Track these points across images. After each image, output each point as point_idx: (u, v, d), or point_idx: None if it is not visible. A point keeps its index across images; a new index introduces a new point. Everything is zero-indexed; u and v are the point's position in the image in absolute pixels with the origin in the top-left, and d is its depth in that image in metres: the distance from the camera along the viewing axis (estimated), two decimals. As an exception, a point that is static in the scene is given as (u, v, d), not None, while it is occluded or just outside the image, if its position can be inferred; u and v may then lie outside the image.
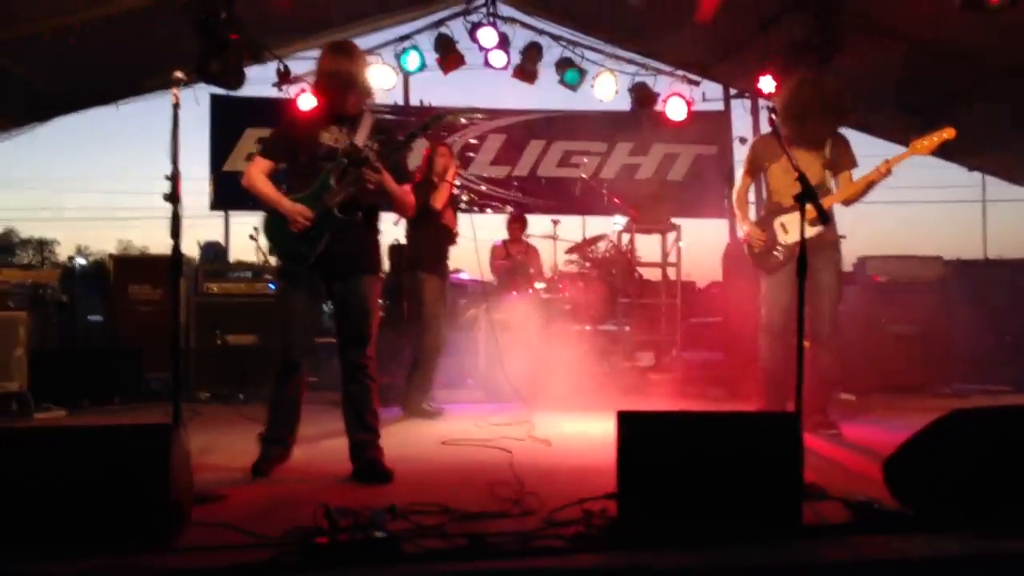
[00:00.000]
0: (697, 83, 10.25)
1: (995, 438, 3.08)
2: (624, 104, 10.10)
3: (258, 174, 4.14)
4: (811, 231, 4.97)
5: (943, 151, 5.18)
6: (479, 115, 4.26)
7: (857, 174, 5.33)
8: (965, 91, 7.90)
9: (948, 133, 5.05)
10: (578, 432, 5.52)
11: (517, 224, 8.67)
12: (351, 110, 4.17)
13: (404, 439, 5.24)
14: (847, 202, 5.33)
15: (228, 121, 9.93)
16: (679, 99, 9.91)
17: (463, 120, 4.60)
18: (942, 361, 7.80)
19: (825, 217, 4.10)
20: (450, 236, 6.56)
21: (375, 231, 4.31)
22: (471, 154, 10.33)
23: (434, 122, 4.47)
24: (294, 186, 4.14)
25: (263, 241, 4.28)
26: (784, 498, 2.97)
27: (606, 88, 9.80)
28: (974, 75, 7.74)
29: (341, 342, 4.22)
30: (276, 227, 4.12)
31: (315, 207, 4.04)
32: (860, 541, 2.85)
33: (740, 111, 10.55)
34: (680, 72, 10.15)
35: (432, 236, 6.40)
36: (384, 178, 4.08)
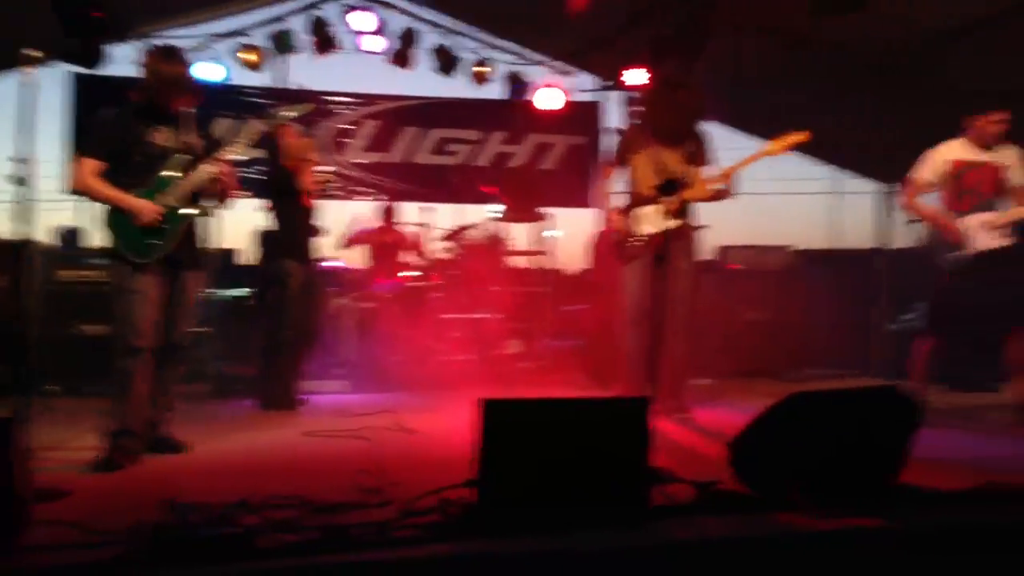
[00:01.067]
0: (571, 74, 10.37)
1: (829, 419, 3.24)
2: (499, 92, 10.14)
3: (90, 175, 4.18)
4: (670, 222, 5.15)
5: (803, 147, 5.41)
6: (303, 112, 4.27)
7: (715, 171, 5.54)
8: (826, 87, 8.19)
9: (802, 136, 5.27)
10: (444, 421, 5.54)
11: (387, 211, 8.62)
12: (178, 110, 4.37)
13: (265, 431, 5.17)
14: (703, 200, 5.52)
15: (93, 102, 9.50)
16: (553, 89, 10.01)
17: (291, 115, 4.58)
18: (792, 346, 8.17)
19: (684, 210, 4.23)
20: (312, 220, 6.36)
21: (196, 226, 4.45)
22: (345, 140, 10.22)
23: (273, 119, 4.75)
24: (125, 183, 4.19)
25: (106, 236, 4.16)
26: (634, 481, 3.05)
27: (485, 78, 9.83)
28: (835, 71, 8.04)
29: (170, 326, 4.33)
30: (121, 223, 4.17)
31: (162, 202, 4.19)
32: (705, 521, 2.96)
33: (612, 102, 10.72)
34: (554, 62, 10.25)
35: (295, 221, 6.24)
36: (230, 173, 4.36)
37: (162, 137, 4.30)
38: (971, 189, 5.37)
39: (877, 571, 2.81)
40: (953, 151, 5.43)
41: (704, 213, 5.75)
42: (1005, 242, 5.28)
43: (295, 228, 6.23)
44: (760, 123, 9.10)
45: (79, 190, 4.19)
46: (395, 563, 2.60)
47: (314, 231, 6.39)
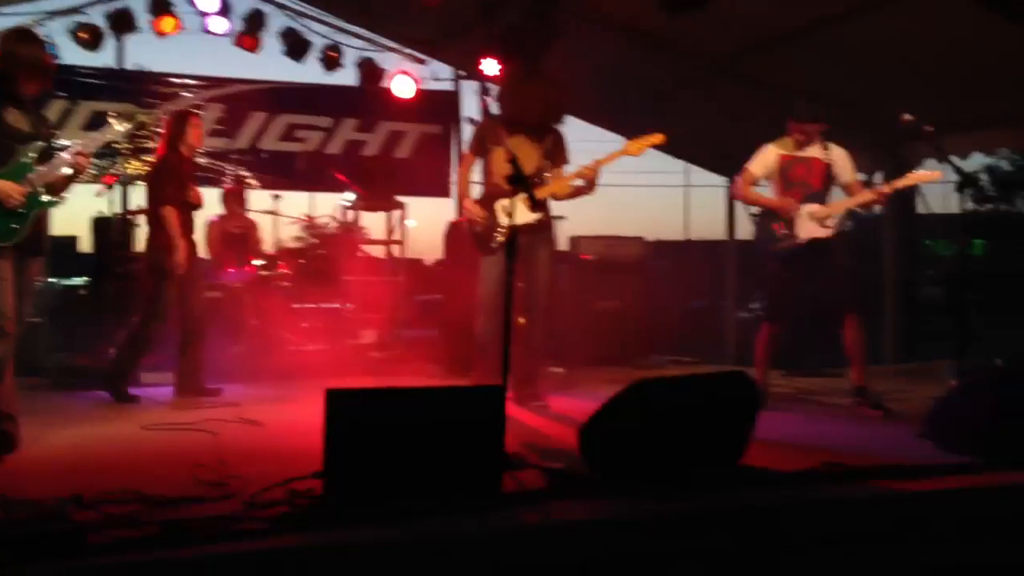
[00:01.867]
0: (424, 62, 10.30)
1: (674, 404, 3.35)
2: (350, 79, 9.99)
3: None
4: (528, 215, 5.20)
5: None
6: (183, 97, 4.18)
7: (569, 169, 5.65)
8: (676, 83, 8.42)
9: (657, 138, 5.41)
10: (293, 412, 5.45)
11: (235, 198, 8.37)
12: (33, 94, 4.24)
13: (103, 425, 4.95)
14: (556, 197, 5.61)
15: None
16: (406, 77, 9.91)
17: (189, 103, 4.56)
18: (644, 334, 8.41)
19: (536, 203, 4.27)
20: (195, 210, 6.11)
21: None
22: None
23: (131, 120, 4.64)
24: None
25: None
26: (486, 468, 3.08)
27: (336, 64, 9.65)
28: (684, 68, 8.26)
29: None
30: None
31: (24, 187, 4.05)
32: (554, 506, 3.00)
33: (469, 92, 10.73)
34: (407, 50, 10.16)
35: (187, 210, 5.99)
36: (87, 162, 4.26)
37: (14, 119, 4.14)
38: (799, 181, 5.60)
39: (719, 551, 2.91)
40: (782, 147, 5.66)
41: (558, 204, 5.85)
42: (827, 232, 5.50)
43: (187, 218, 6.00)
44: (614, 119, 9.31)
45: None
46: (240, 556, 2.54)
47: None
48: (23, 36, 4.29)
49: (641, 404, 3.30)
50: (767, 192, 5.77)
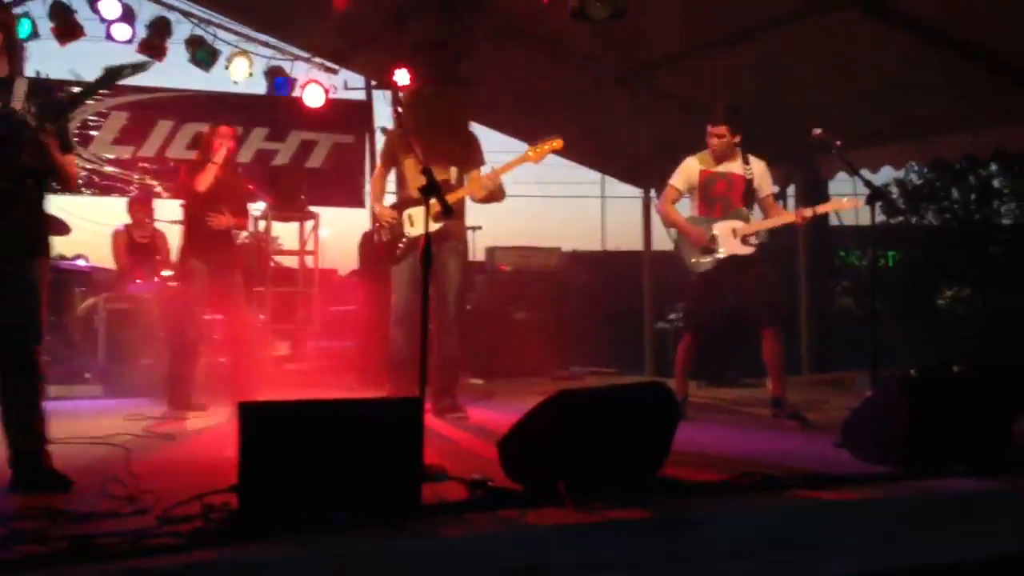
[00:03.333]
0: (335, 71, 10.23)
1: (594, 416, 3.36)
2: (260, 88, 9.85)
3: None
4: (435, 225, 5.18)
5: (569, 153, 5.60)
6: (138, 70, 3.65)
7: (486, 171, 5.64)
8: (586, 94, 8.51)
9: (557, 143, 5.44)
10: (204, 426, 5.36)
11: (142, 208, 8.16)
12: (3, 71, 3.63)
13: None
14: (474, 199, 5.61)
15: None
16: (316, 86, 9.83)
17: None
18: (562, 345, 8.45)
19: (449, 211, 4.26)
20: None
21: (41, 206, 3.74)
22: (92, 132, 9.57)
23: (107, 80, 3.75)
24: None
25: None
26: (404, 480, 3.04)
27: (240, 70, 9.48)
28: (592, 80, 8.36)
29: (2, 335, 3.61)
30: None
31: None
32: (474, 517, 2.98)
33: (382, 102, 10.69)
34: (317, 59, 10.07)
35: (199, 221, 5.91)
36: (51, 144, 3.57)
37: None
38: (720, 197, 5.66)
39: (640, 560, 2.94)
40: (702, 161, 5.71)
41: (475, 215, 5.87)
42: (749, 250, 5.57)
43: (195, 226, 6.01)
44: (523, 129, 9.36)
45: None
46: (153, 571, 2.48)
47: (63, 228, 5.97)
48: None
49: (562, 415, 3.30)
50: (688, 208, 5.81)
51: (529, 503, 3.10)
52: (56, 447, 4.42)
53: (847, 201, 5.64)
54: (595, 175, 10.97)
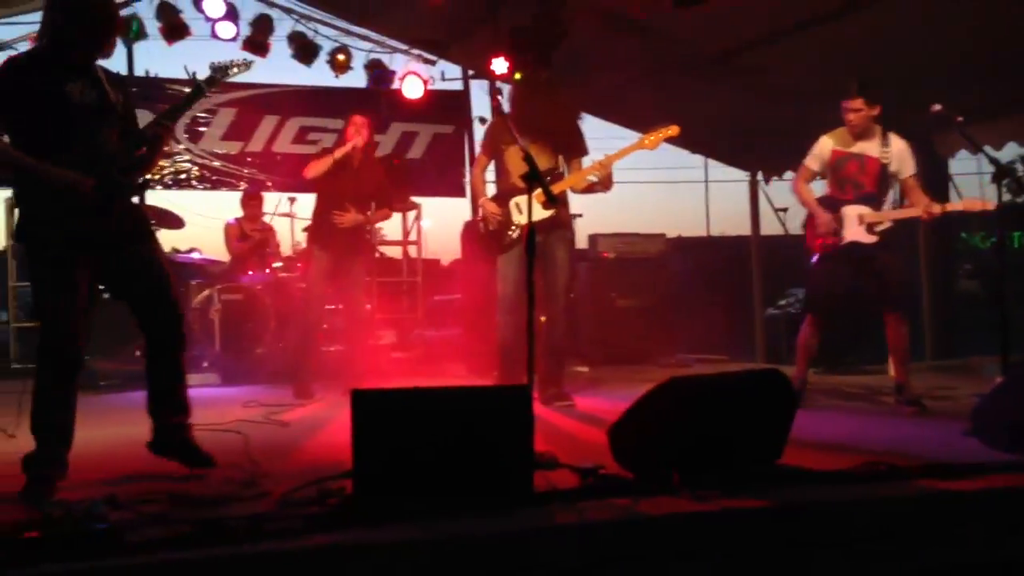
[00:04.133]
0: (434, 62, 10.30)
1: (708, 403, 3.31)
2: (360, 81, 9.99)
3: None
4: (542, 212, 5.17)
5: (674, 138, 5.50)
6: (243, 69, 3.67)
7: (589, 161, 5.61)
8: (687, 78, 8.37)
9: (672, 130, 5.34)
10: (318, 412, 5.47)
11: (253, 202, 8.38)
12: (92, 60, 3.55)
13: (132, 426, 4.93)
14: (575, 190, 5.57)
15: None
16: (415, 78, 9.91)
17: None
18: (665, 332, 8.34)
19: (554, 200, 4.24)
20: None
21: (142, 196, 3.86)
22: (201, 128, 9.86)
23: (215, 80, 3.85)
24: (34, 148, 3.38)
25: (20, 216, 3.49)
26: (516, 468, 3.04)
27: (341, 65, 9.64)
28: (694, 63, 8.21)
29: (146, 315, 3.66)
30: (44, 202, 3.39)
31: (94, 173, 3.40)
32: (587, 505, 2.95)
33: (480, 91, 10.73)
34: (416, 51, 10.16)
35: (325, 211, 6.09)
36: (167, 142, 3.67)
37: (77, 91, 3.45)
38: (851, 178, 5.46)
39: (754, 551, 2.88)
40: (836, 140, 5.50)
41: (576, 202, 5.83)
42: (873, 238, 5.37)
43: (320, 213, 6.19)
44: (627, 114, 9.28)
45: None
46: (272, 555, 2.53)
47: (177, 222, 6.18)
48: None
49: (674, 402, 3.26)
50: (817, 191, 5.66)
51: (641, 492, 3.06)
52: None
53: (980, 202, 5.38)
54: (697, 159, 10.77)
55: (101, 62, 3.64)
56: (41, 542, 2.47)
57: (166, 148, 3.74)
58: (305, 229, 7.53)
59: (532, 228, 3.93)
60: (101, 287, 3.70)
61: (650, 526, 2.85)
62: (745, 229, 9.41)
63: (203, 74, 3.81)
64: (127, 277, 3.64)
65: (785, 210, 6.09)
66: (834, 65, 6.92)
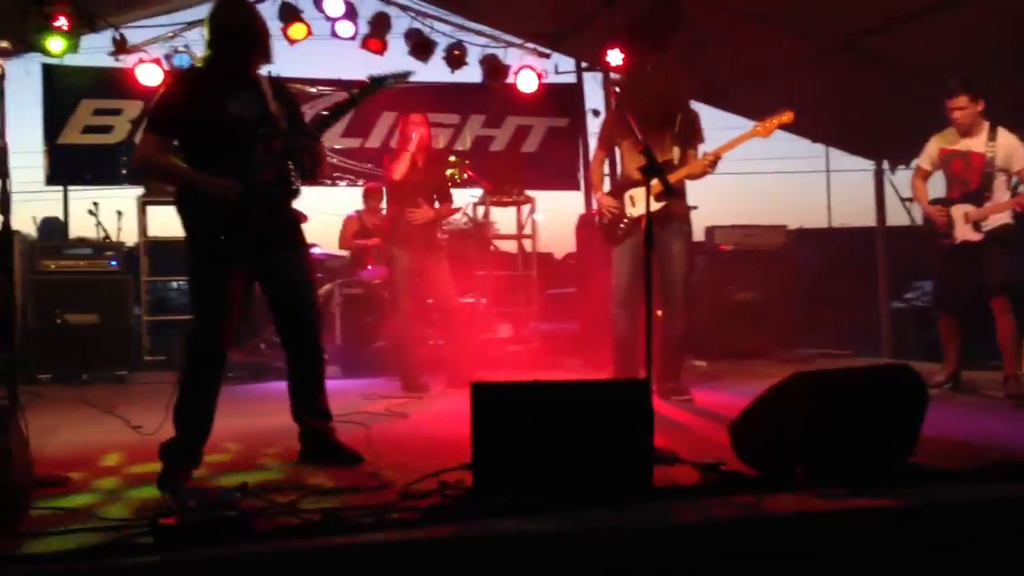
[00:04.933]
0: (547, 56, 10.29)
1: (835, 399, 3.21)
2: (475, 76, 10.06)
3: (158, 152, 3.58)
4: (657, 204, 5.12)
5: (793, 126, 5.38)
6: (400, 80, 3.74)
7: (705, 148, 5.52)
8: (805, 64, 8.15)
9: (787, 117, 5.22)
10: (437, 404, 5.56)
11: (374, 196, 8.54)
12: (253, 72, 3.71)
13: (259, 416, 5.12)
14: (692, 177, 5.49)
15: (62, 92, 9.42)
16: (530, 71, 9.92)
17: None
18: (786, 326, 8.14)
19: (671, 191, 4.20)
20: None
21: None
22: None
23: (372, 89, 3.90)
24: (200, 161, 3.58)
25: (181, 221, 3.66)
26: (636, 462, 3.03)
27: (458, 61, 9.72)
28: (812, 49, 7.99)
29: (289, 321, 3.83)
30: (198, 206, 3.57)
31: (246, 181, 3.55)
32: (708, 502, 2.92)
33: (593, 84, 10.68)
34: (530, 45, 10.17)
35: (399, 209, 6.28)
36: (321, 147, 3.81)
37: (239, 105, 3.61)
38: (957, 177, 5.47)
39: (882, 551, 2.79)
40: (944, 139, 5.52)
41: (693, 194, 5.73)
42: (979, 236, 5.37)
43: (399, 214, 6.32)
44: (749, 104, 9.08)
45: (142, 169, 3.85)
46: (395, 545, 2.58)
47: (300, 217, 6.32)
48: (241, 5, 3.70)
49: (799, 397, 3.18)
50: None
51: (765, 489, 3.01)
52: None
53: None
54: (817, 148, 10.46)
55: (267, 69, 3.79)
56: (177, 528, 2.55)
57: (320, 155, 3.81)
58: (375, 228, 7.67)
59: (651, 220, 3.88)
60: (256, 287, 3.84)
61: (774, 524, 2.80)
62: (869, 219, 9.11)
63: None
64: (272, 282, 3.79)
65: (911, 200, 5.90)
66: (964, 49, 6.64)
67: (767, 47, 7.98)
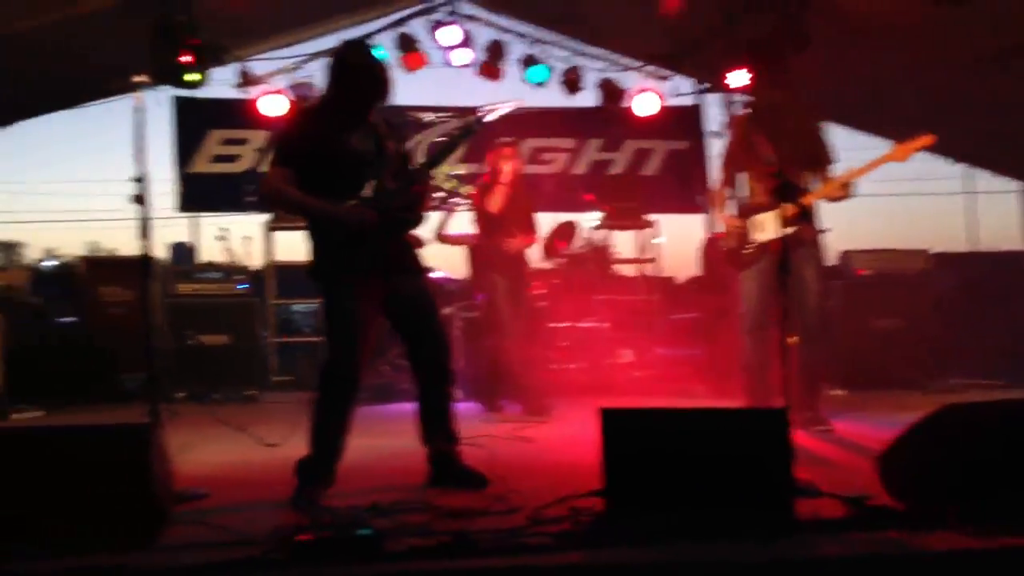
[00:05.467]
0: (666, 78, 10.18)
1: (989, 433, 3.04)
2: (592, 100, 10.02)
3: (285, 185, 3.73)
4: (788, 228, 4.97)
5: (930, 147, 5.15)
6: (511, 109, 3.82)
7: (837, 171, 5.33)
8: (944, 83, 7.85)
9: (927, 140, 4.99)
10: (559, 429, 5.52)
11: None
12: (372, 110, 3.88)
13: (384, 437, 5.18)
14: (829, 200, 5.30)
15: (191, 123, 9.85)
16: (649, 94, 9.83)
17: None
18: (930, 355, 7.74)
19: (806, 214, 4.06)
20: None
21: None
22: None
23: (476, 126, 4.04)
24: (318, 193, 3.71)
25: (312, 250, 3.83)
26: (776, 494, 2.93)
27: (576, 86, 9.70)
28: (954, 64, 7.68)
29: (418, 345, 3.91)
30: (329, 235, 3.72)
31: (376, 209, 3.69)
32: (854, 537, 2.81)
33: (712, 106, 10.54)
34: (649, 67, 10.08)
35: (492, 238, 6.44)
36: (429, 183, 3.98)
37: (359, 140, 3.80)
38: None
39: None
40: None
41: (826, 217, 5.54)
42: None
43: (493, 243, 6.48)
44: (884, 125, 8.81)
45: (270, 201, 4.12)
46: (527, 570, 2.56)
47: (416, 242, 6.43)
48: (363, 50, 3.90)
49: (953, 430, 3.02)
50: None
51: (915, 525, 2.87)
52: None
53: None
54: (953, 169, 10.06)
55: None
56: (312, 545, 2.60)
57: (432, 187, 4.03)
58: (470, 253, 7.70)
59: (786, 245, 3.76)
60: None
61: (925, 563, 2.65)
62: (1016, 242, 8.72)
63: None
64: (399, 307, 3.86)
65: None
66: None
67: (905, 65, 7.72)
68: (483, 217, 6.52)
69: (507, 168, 6.41)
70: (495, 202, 6.35)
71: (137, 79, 3.89)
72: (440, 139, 3.81)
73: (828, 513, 3.02)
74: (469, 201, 7.05)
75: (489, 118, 4.00)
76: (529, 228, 6.64)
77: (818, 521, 2.94)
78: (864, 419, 5.73)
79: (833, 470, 4.04)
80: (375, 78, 3.80)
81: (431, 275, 8.01)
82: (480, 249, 6.63)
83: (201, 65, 7.88)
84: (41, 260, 18.14)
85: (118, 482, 2.83)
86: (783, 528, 2.85)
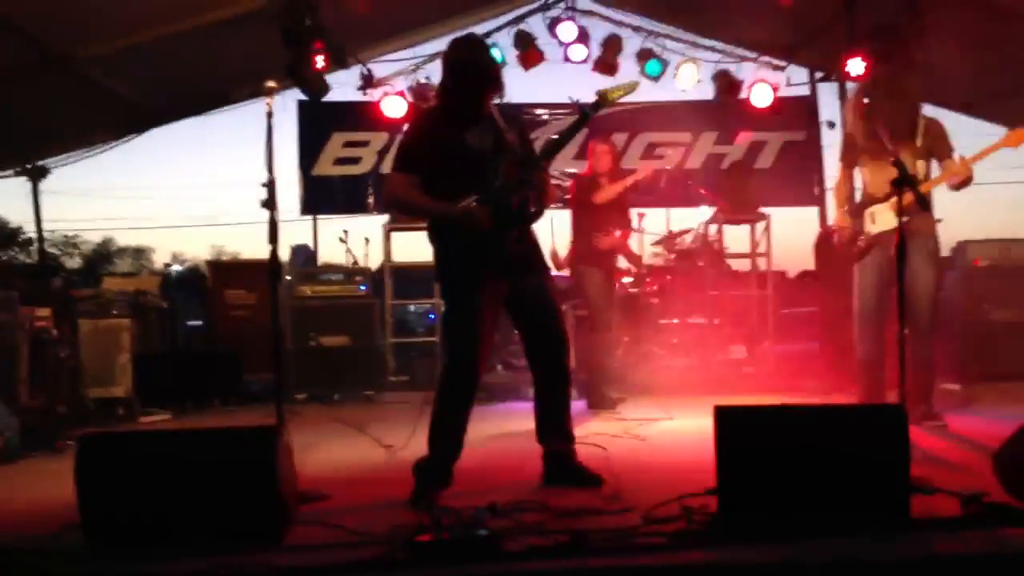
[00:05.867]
0: (782, 68, 9.99)
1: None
2: (707, 93, 9.93)
3: (409, 190, 3.79)
4: (902, 219, 4.86)
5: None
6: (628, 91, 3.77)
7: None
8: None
9: None
10: (672, 428, 5.52)
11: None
12: (487, 105, 3.86)
13: (500, 437, 5.27)
14: (953, 187, 5.16)
15: (314, 126, 10.10)
16: (764, 85, 9.64)
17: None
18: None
19: (924, 203, 3.97)
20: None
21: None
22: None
23: (593, 111, 3.93)
24: (444, 193, 3.73)
25: (434, 253, 3.88)
26: (891, 491, 2.91)
27: (687, 78, 9.63)
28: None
29: (539, 344, 3.92)
30: (451, 237, 3.75)
31: (492, 208, 3.69)
32: (972, 535, 2.77)
33: (826, 95, 10.29)
34: (764, 58, 9.92)
35: (589, 231, 6.55)
36: (548, 175, 3.97)
37: (476, 138, 3.79)
38: None
39: None
40: None
41: (940, 207, 5.40)
42: None
43: (588, 236, 6.60)
44: (997, 108, 8.49)
45: (394, 206, 4.10)
46: (642, 569, 2.59)
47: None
48: (472, 44, 3.90)
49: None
50: None
51: (1035, 524, 2.80)
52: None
53: None
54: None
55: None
56: (433, 546, 2.68)
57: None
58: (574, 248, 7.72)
59: (903, 235, 3.71)
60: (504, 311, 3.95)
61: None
62: None
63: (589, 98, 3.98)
64: (521, 306, 3.89)
65: None
66: None
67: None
68: (583, 211, 6.60)
69: (607, 163, 6.58)
70: (604, 195, 6.47)
71: (269, 85, 4.00)
72: (555, 135, 3.81)
73: (943, 511, 3.00)
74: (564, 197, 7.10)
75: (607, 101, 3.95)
76: (625, 224, 6.74)
77: (935, 519, 2.92)
78: (980, 414, 5.60)
79: (948, 466, 3.97)
80: (483, 70, 3.80)
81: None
82: (579, 241, 6.69)
83: (326, 70, 8.08)
84: (169, 264, 18.88)
85: (245, 483, 2.94)
86: (899, 526, 2.84)
